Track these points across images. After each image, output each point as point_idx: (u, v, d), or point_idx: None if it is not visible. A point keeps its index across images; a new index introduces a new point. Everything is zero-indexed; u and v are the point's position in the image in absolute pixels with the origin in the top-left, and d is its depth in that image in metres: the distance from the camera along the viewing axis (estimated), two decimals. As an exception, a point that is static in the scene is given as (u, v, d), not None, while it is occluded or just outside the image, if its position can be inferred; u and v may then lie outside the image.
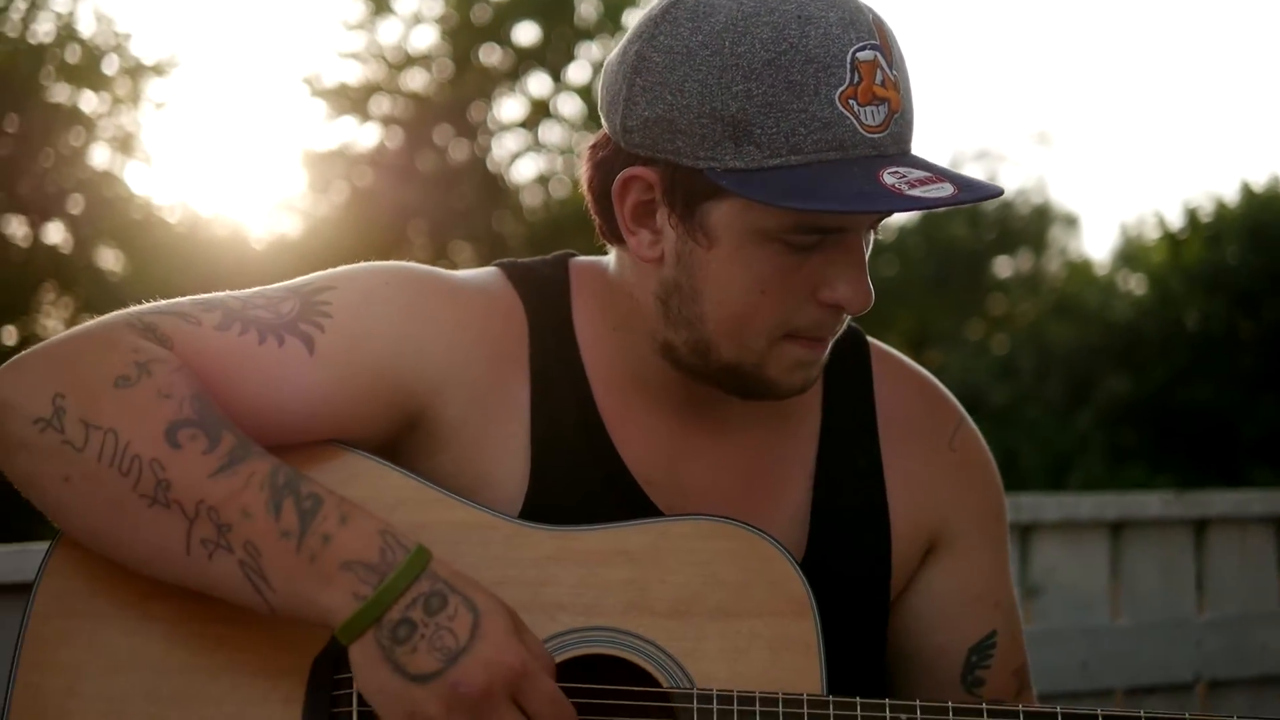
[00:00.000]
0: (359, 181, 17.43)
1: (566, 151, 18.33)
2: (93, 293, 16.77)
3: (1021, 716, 1.83)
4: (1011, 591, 2.15)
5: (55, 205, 17.38)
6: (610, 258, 2.02)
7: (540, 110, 18.13)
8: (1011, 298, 26.00)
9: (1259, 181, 23.10)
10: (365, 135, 18.92)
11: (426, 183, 17.06)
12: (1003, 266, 27.95)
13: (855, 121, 1.75)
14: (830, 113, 1.74)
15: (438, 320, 1.93)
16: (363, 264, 1.98)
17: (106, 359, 1.77)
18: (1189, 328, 21.01)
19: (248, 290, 1.93)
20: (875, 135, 1.76)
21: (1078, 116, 51.49)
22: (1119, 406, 20.38)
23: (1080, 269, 27.21)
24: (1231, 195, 22.77)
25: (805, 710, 1.80)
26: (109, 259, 17.54)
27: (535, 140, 18.49)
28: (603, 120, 1.91)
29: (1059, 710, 1.83)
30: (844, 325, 1.92)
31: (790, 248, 1.81)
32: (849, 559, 2.01)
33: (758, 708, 1.80)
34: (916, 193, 1.73)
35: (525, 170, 18.22)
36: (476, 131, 18.01)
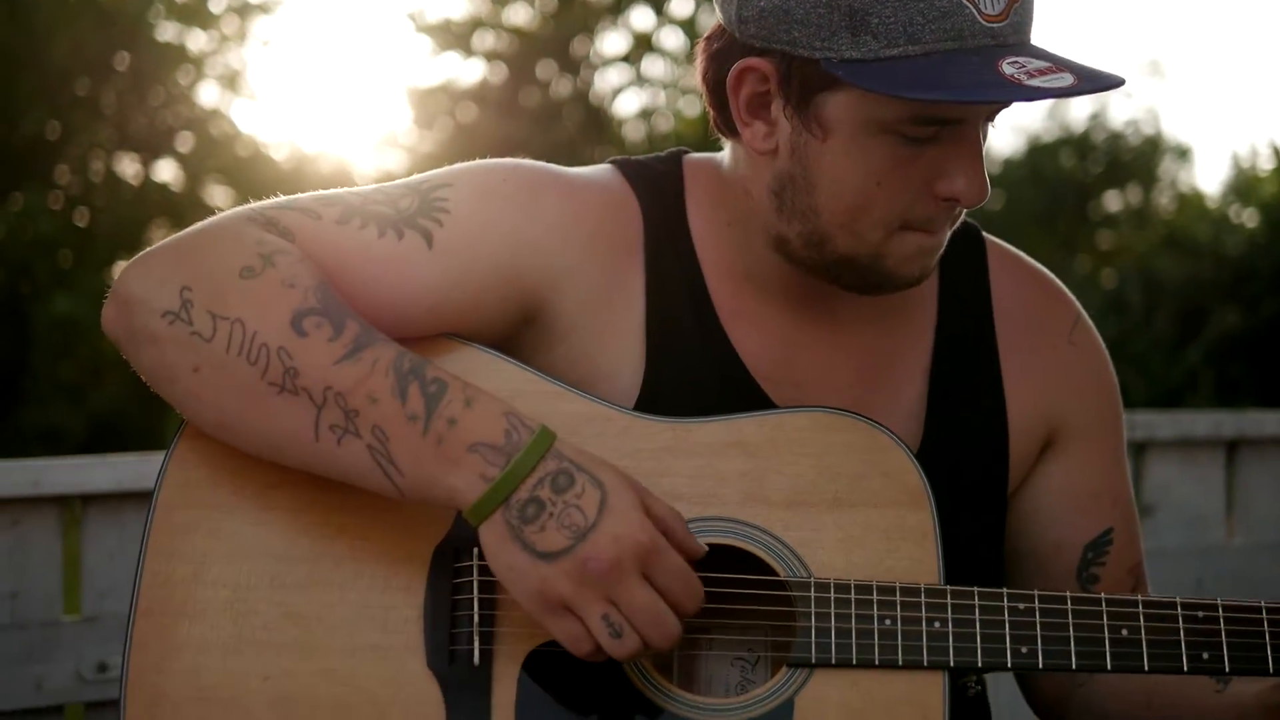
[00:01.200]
0: (462, 117, 17.48)
1: (669, 86, 18.28)
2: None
3: (1140, 606, 1.82)
4: (1129, 489, 2.14)
5: (165, 143, 17.58)
6: (724, 153, 2.02)
7: (643, 44, 18.07)
8: (1120, 232, 25.61)
9: (1377, 111, 22.57)
10: (469, 71, 18.94)
11: (529, 118, 17.07)
12: (1112, 200, 27.55)
13: (974, 10, 1.73)
14: (948, 1, 1.72)
15: (555, 215, 1.94)
16: (479, 161, 1.99)
17: (231, 251, 1.79)
18: (1302, 260, 20.60)
19: (367, 186, 1.94)
20: (994, 24, 1.74)
21: (1190, 46, 50.60)
22: (1229, 341, 20.06)
23: (1191, 202, 26.73)
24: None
25: (922, 599, 1.80)
26: (218, 196, 17.70)
27: (638, 75, 18.46)
28: (717, 10, 1.91)
29: (1178, 600, 1.82)
30: (960, 218, 1.91)
31: (906, 140, 1.80)
32: (965, 453, 2.00)
33: (875, 596, 1.80)
34: (1036, 83, 1.71)
35: (628, 105, 18.19)
36: (579, 66, 18.00)
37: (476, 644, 1.78)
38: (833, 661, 1.78)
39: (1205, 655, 1.80)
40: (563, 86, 18.56)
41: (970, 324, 2.08)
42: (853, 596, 1.80)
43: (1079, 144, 25.67)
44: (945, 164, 1.82)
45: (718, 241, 2.00)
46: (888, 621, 1.79)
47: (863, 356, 2.03)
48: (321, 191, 1.93)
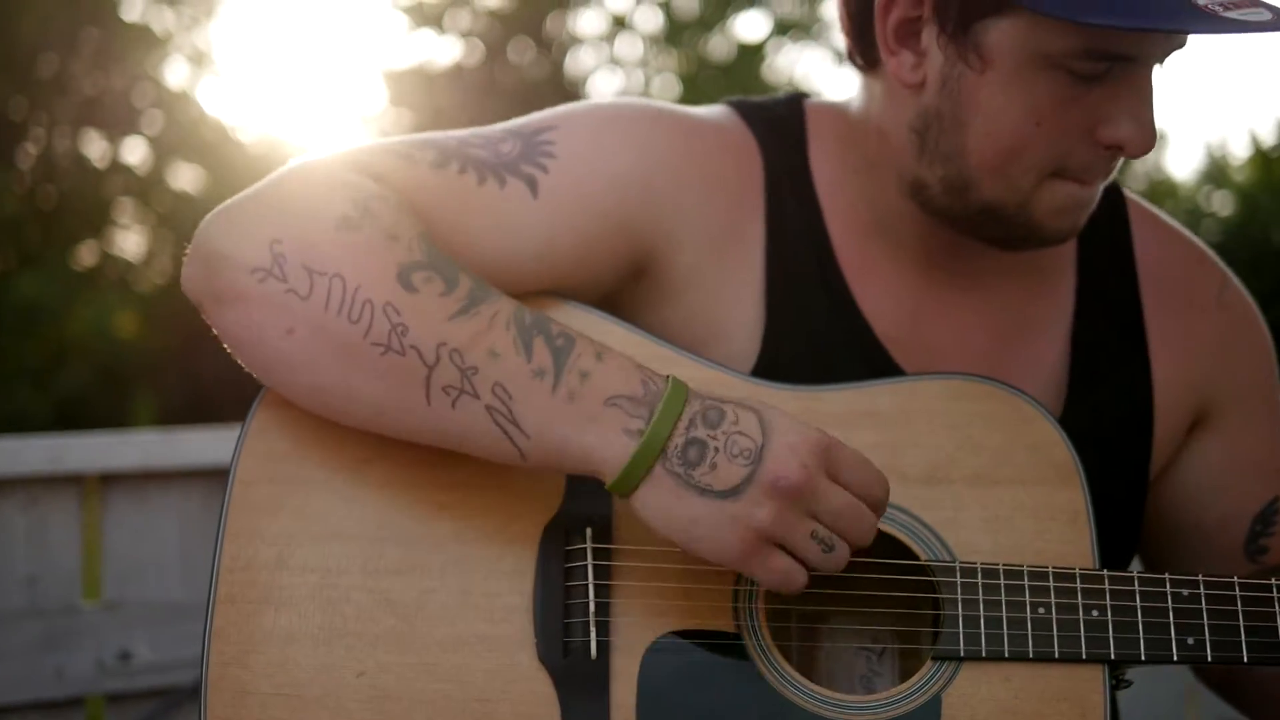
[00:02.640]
0: (438, 98, 17.22)
1: (644, 66, 18.05)
2: (171, 209, 16.72)
3: (1316, 590, 1.66)
4: None
5: (132, 123, 17.28)
6: (851, 95, 1.87)
7: (619, 24, 17.85)
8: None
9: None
10: (443, 52, 18.65)
11: (505, 98, 16.83)
12: None
13: None
14: None
15: (670, 160, 1.78)
16: (586, 102, 1.83)
17: (324, 200, 1.62)
18: (1278, 246, 20.56)
19: (462, 130, 1.77)
20: None
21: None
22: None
23: (1163, 188, 26.74)
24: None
25: (1078, 585, 1.65)
26: (186, 176, 17.43)
27: (612, 55, 18.25)
28: None
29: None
30: (1116, 170, 1.74)
31: (1074, 77, 1.64)
32: (1109, 425, 1.85)
33: (1026, 582, 1.64)
34: (1234, 15, 1.55)
35: (603, 85, 17.97)
36: (553, 45, 17.77)
37: (594, 635, 1.61)
38: (983, 654, 1.62)
39: None
40: (538, 67, 18.36)
41: (1114, 287, 1.92)
42: (1001, 582, 1.64)
43: None
44: (1111, 107, 1.66)
45: (844, 190, 1.84)
46: (1041, 610, 1.64)
47: (999, 319, 1.88)
48: (413, 134, 1.76)
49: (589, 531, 1.64)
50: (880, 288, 1.84)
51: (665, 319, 1.79)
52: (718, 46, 17.49)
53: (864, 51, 1.79)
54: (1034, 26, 1.62)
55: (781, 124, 1.87)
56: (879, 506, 1.55)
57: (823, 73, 18.10)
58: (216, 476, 2.86)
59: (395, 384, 1.57)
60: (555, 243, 1.72)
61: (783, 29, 17.10)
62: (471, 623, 1.62)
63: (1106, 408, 1.83)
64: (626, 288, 1.79)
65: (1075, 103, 1.66)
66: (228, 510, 1.65)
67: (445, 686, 1.60)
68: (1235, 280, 1.98)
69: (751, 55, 16.97)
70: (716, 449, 1.51)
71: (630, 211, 1.75)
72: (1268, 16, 1.55)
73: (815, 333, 1.80)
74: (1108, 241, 1.92)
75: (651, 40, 18.20)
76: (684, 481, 1.51)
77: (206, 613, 1.62)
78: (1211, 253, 1.99)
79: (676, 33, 17.51)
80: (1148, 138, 1.66)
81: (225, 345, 1.65)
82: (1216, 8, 1.55)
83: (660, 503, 1.52)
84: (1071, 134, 1.67)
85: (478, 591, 1.63)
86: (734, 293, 1.79)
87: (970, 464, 1.70)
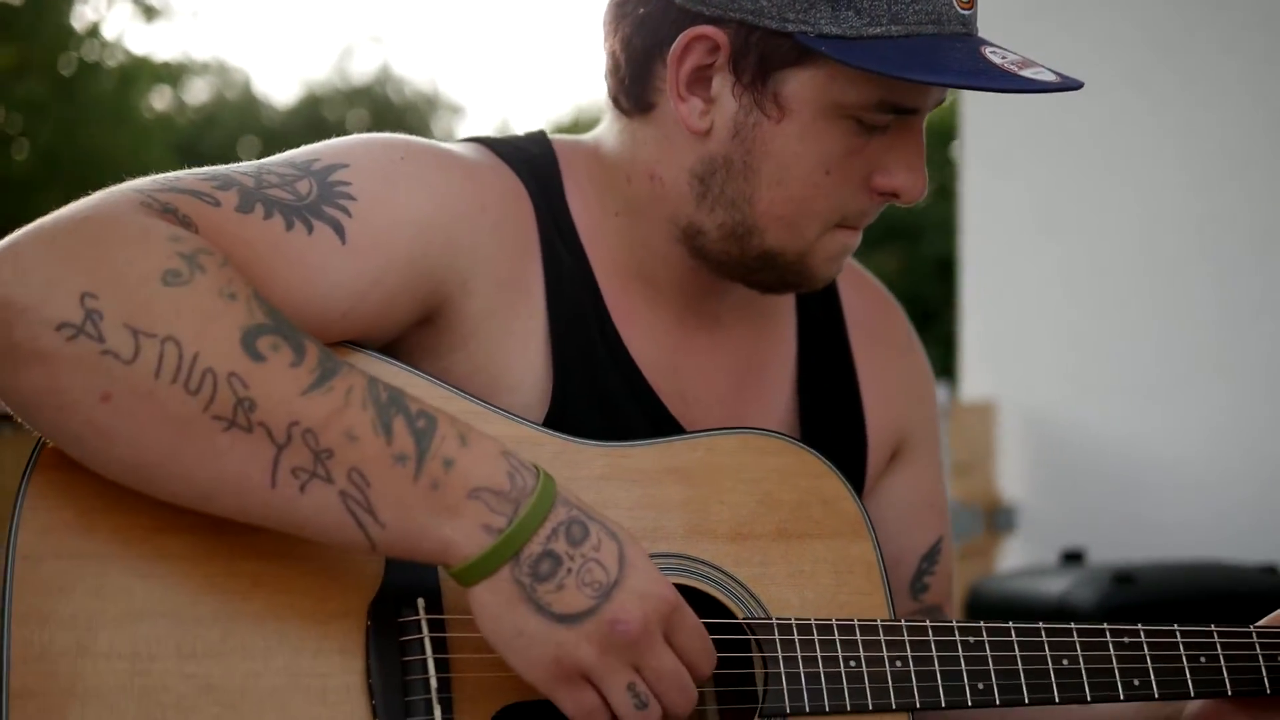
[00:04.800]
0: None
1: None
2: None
3: (1075, 635, 1.77)
4: (946, 497, 2.13)
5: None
6: (601, 134, 1.85)
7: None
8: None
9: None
10: None
11: None
12: None
13: None
14: None
15: (462, 207, 1.69)
16: (361, 137, 1.71)
17: (141, 249, 1.42)
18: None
19: (248, 164, 1.62)
20: (965, 12, 1.69)
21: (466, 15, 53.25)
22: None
23: None
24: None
25: (881, 637, 1.69)
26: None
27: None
28: None
29: (1106, 627, 1.79)
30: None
31: (861, 127, 1.69)
32: (837, 465, 1.89)
33: (836, 636, 1.67)
34: (1028, 74, 1.64)
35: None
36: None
37: (438, 714, 1.51)
38: (806, 709, 1.63)
39: (1136, 681, 1.78)
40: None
41: (827, 332, 1.99)
42: (815, 638, 1.66)
43: (358, 96, 26.80)
44: (888, 157, 1.72)
45: (603, 235, 1.82)
46: (852, 663, 1.67)
47: (739, 362, 1.91)
48: (201, 170, 1.58)
49: (420, 603, 1.54)
50: (644, 334, 1.82)
51: (448, 367, 1.70)
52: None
53: (636, 96, 1.77)
54: (833, 78, 1.66)
55: (537, 165, 1.81)
56: (700, 679, 1.53)
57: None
58: None
59: (235, 462, 1.41)
60: (366, 293, 1.60)
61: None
62: (305, 708, 1.48)
63: (832, 447, 1.87)
64: (412, 333, 1.69)
65: (858, 153, 1.70)
66: (10, 591, 1.43)
67: None
68: (913, 328, 2.11)
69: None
70: (569, 570, 1.45)
71: (431, 258, 1.65)
72: (1051, 76, 1.64)
73: (599, 383, 1.76)
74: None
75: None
76: (525, 593, 1.44)
77: (0, 710, 1.40)
78: (894, 299, 2.10)
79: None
80: (921, 185, 1.73)
81: (10, 409, 1.43)
82: (1012, 66, 1.64)
83: (493, 605, 1.45)
84: (852, 182, 1.72)
85: (306, 673, 1.49)
86: (520, 341, 1.73)
87: (772, 519, 1.71)
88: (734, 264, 1.77)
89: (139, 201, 1.47)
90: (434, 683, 1.51)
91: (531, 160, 1.81)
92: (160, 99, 24.36)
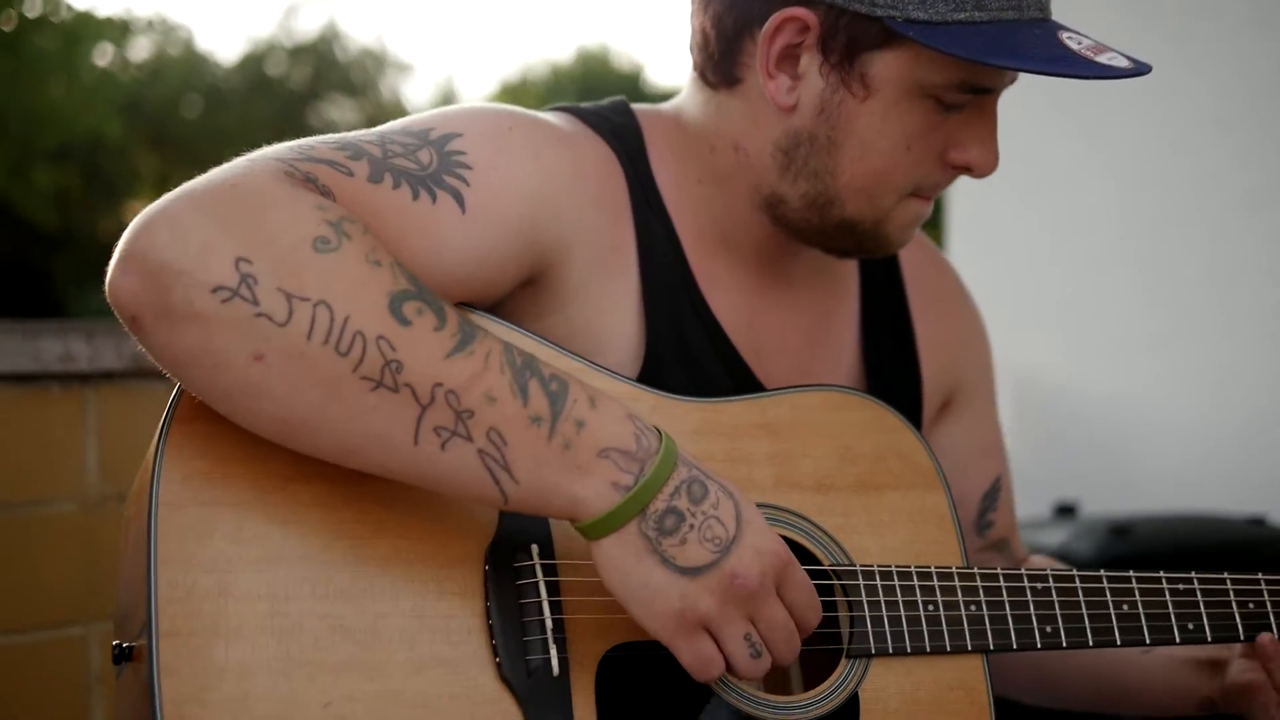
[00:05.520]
0: None
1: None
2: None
3: (1134, 582, 1.87)
4: (1004, 438, 2.24)
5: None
6: (683, 105, 1.94)
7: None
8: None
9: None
10: None
11: None
12: (333, 109, 28.42)
13: None
14: None
15: (566, 174, 1.78)
16: (471, 106, 1.79)
17: (291, 216, 1.49)
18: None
19: (371, 132, 1.69)
20: None
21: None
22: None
23: (401, 113, 27.88)
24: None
25: (957, 583, 1.79)
26: None
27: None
28: None
29: (1162, 575, 1.89)
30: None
31: (941, 106, 1.78)
32: None
33: (915, 582, 1.77)
34: (1103, 59, 1.73)
35: None
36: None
37: (554, 653, 1.59)
38: (890, 650, 1.73)
39: (1190, 625, 1.88)
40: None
41: (887, 290, 2.10)
42: (896, 583, 1.76)
43: (303, 54, 26.62)
44: (963, 133, 1.81)
45: (688, 201, 1.90)
46: (930, 607, 1.76)
47: (809, 321, 2.01)
48: (331, 137, 1.66)
49: (534, 549, 1.62)
50: (725, 295, 1.91)
51: (548, 327, 1.78)
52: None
53: (724, 71, 1.84)
54: (917, 60, 1.74)
55: (623, 134, 1.89)
56: (807, 632, 1.63)
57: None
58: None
59: (380, 421, 1.49)
60: (485, 260, 1.68)
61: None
62: (431, 646, 1.56)
63: (892, 398, 1.98)
64: (514, 296, 1.77)
65: (936, 129, 1.80)
66: (155, 536, 1.51)
67: (412, 713, 1.53)
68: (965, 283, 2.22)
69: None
70: (692, 526, 1.54)
71: (540, 227, 1.74)
72: (1125, 63, 1.73)
73: (687, 342, 1.84)
74: None
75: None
76: (651, 546, 1.53)
77: (150, 650, 1.47)
78: (946, 258, 2.22)
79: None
80: (994, 160, 1.83)
81: (161, 365, 1.50)
82: (1088, 52, 1.73)
83: (621, 557, 1.53)
84: (930, 157, 1.81)
85: (431, 613, 1.57)
86: (615, 304, 1.81)
87: (851, 471, 1.80)
88: (813, 231, 1.86)
89: (283, 170, 1.55)
90: (549, 623, 1.60)
91: (618, 130, 1.89)
92: (103, 56, 24.09)
